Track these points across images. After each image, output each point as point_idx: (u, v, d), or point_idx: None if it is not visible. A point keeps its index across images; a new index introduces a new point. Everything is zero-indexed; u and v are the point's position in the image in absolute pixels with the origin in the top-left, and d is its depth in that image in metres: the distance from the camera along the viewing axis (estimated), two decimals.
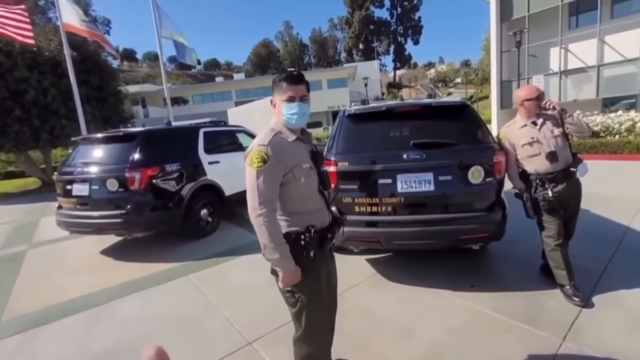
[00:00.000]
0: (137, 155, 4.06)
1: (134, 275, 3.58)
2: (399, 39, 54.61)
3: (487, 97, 20.41)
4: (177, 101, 33.02)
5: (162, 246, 4.42)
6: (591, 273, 2.79)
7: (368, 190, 2.79)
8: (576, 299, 2.37)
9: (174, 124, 5.73)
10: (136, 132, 4.41)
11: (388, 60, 58.41)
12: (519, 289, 2.66)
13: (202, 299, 2.99)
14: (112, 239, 4.81)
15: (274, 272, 1.45)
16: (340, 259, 3.49)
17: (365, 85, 26.21)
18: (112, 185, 3.96)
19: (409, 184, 2.69)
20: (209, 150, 5.00)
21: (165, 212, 4.28)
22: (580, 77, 13.39)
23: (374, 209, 2.76)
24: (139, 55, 76.72)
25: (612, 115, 10.08)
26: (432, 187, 2.67)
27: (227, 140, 5.68)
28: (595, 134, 9.55)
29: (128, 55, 71.84)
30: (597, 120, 9.94)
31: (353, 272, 3.20)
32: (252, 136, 6.37)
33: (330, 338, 1.67)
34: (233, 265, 3.72)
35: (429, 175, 2.67)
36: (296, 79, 1.43)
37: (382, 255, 3.46)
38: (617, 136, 9.21)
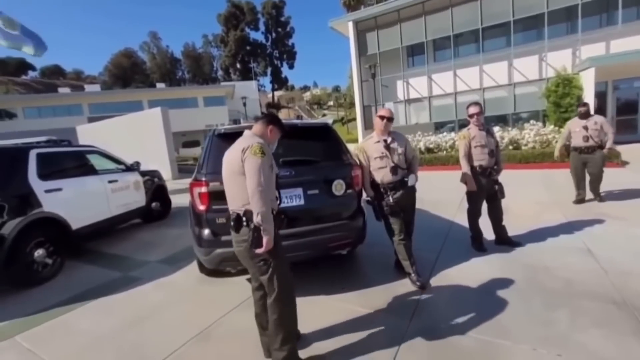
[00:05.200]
0: None
1: None
2: (275, 62, 57.01)
3: (355, 119, 23.39)
4: None
5: None
6: (429, 260, 3.48)
7: None
8: (418, 283, 2.92)
9: None
10: None
11: (266, 80, 60.01)
12: (378, 284, 3.08)
13: None
14: None
15: (254, 243, 1.82)
16: (214, 283, 3.36)
17: (244, 104, 26.25)
18: None
19: (281, 199, 2.82)
20: (46, 175, 4.07)
21: None
22: (419, 105, 16.79)
23: None
24: None
25: (441, 135, 12.93)
26: (302, 201, 2.86)
27: (73, 162, 4.74)
28: (430, 150, 12.06)
29: None
30: (431, 139, 12.57)
31: (230, 294, 3.10)
32: (110, 157, 5.53)
33: (295, 295, 2.07)
34: (82, 313, 3.07)
35: (299, 191, 2.86)
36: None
37: None
38: (445, 152, 11.84)
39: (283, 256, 2.01)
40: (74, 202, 4.33)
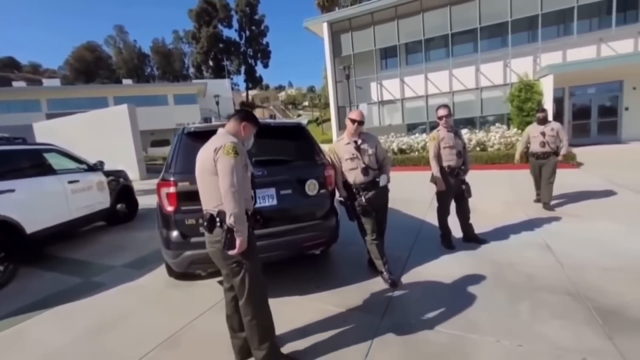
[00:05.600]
0: None
1: None
2: (250, 60, 56.10)
3: (329, 119, 23.49)
4: None
5: None
6: (400, 259, 3.56)
7: None
8: (390, 281, 2.98)
9: None
10: None
11: (240, 79, 58.92)
12: (351, 282, 3.11)
13: None
14: None
15: (227, 244, 1.78)
16: (183, 287, 3.25)
17: (217, 103, 25.55)
18: None
19: (256, 199, 2.77)
20: None
21: None
22: (392, 107, 17.14)
23: None
24: None
25: (413, 136, 13.29)
26: (275, 202, 2.83)
27: (28, 162, 4.42)
28: (402, 151, 12.35)
29: None
30: (404, 140, 12.88)
31: (200, 297, 3.01)
32: (70, 157, 5.22)
33: (267, 295, 2.06)
34: (39, 322, 2.86)
35: (272, 191, 2.83)
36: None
37: None
38: (416, 152, 12.18)
39: (256, 257, 1.98)
40: (29, 204, 4.04)
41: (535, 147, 5.17)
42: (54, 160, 4.80)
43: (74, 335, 2.59)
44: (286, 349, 2.21)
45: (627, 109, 13.15)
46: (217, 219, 1.85)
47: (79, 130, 12.78)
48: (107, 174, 5.76)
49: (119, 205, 6.01)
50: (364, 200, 3.00)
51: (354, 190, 3.05)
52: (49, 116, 21.10)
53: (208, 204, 1.92)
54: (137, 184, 10.03)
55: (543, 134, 5.04)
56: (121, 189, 6.05)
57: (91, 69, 52.57)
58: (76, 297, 3.25)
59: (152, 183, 3.07)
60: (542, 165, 5.12)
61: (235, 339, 2.14)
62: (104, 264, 4.16)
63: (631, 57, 12.13)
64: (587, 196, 5.65)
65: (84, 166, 5.40)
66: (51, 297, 3.30)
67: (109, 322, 2.76)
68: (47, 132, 13.73)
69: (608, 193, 5.78)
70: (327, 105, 27.49)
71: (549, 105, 12.00)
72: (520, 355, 2.03)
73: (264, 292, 2.03)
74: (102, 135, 12.51)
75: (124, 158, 11.98)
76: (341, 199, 3.18)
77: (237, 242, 1.77)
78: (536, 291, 2.75)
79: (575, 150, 9.88)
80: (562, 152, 5.02)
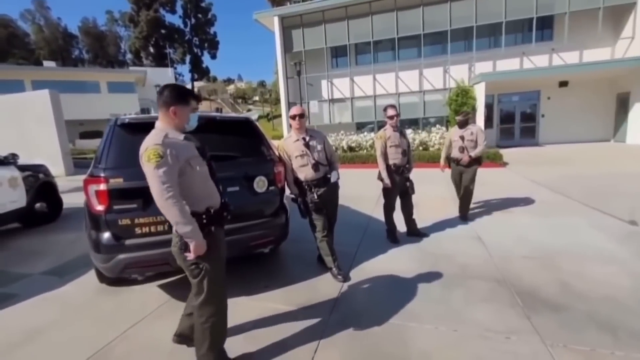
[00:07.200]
0: None
1: None
2: (195, 50, 53.14)
3: (280, 115, 23.22)
4: None
5: None
6: (349, 254, 3.63)
7: (152, 207, 2.50)
8: (339, 277, 3.03)
9: None
10: None
11: (185, 69, 55.42)
12: (301, 280, 3.10)
13: None
14: None
15: (183, 248, 1.73)
16: (116, 293, 2.97)
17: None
18: None
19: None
20: None
21: None
22: (342, 105, 17.49)
23: (160, 227, 2.50)
24: None
25: (362, 135, 13.70)
26: None
27: None
28: (352, 149, 12.68)
29: None
30: (353, 138, 13.23)
31: (137, 304, 2.78)
32: None
33: (226, 299, 1.99)
34: None
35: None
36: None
37: (175, 278, 3.18)
38: (365, 150, 12.58)
39: (218, 259, 1.86)
40: None
41: (455, 153, 4.78)
42: None
43: None
44: (233, 352, 2.13)
45: (543, 116, 14.99)
46: None
47: None
48: (23, 168, 5.03)
49: (38, 205, 5.30)
50: (315, 196, 3.00)
51: (306, 186, 3.04)
52: None
53: None
54: (62, 181, 8.97)
55: (462, 138, 4.68)
56: (41, 186, 5.34)
57: (3, 47, 45.50)
58: None
59: (80, 179, 2.73)
60: (463, 172, 4.76)
61: (188, 319, 2.07)
62: (18, 272, 3.63)
63: (546, 70, 13.87)
64: (512, 193, 6.32)
65: None
66: None
67: (22, 338, 2.40)
68: None
69: (528, 190, 6.53)
70: (278, 100, 27.18)
71: (481, 109, 13.20)
72: (455, 339, 2.19)
73: (223, 297, 1.95)
74: (17, 124, 10.92)
75: (46, 151, 10.61)
76: (292, 196, 3.15)
77: (191, 246, 1.69)
78: (469, 279, 3.00)
79: (502, 151, 11.01)
80: (474, 153, 4.61)
